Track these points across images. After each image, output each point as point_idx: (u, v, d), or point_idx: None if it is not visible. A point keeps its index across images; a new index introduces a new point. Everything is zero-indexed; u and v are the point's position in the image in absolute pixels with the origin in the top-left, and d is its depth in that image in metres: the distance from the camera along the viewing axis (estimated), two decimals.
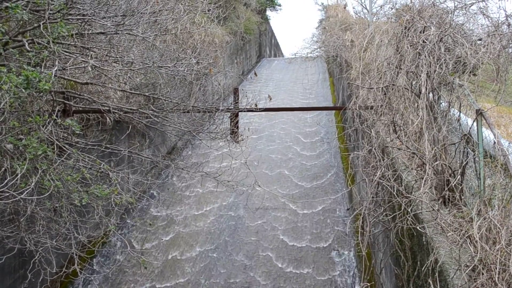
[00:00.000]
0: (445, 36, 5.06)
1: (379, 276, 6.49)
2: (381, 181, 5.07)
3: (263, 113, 14.97)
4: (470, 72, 4.74)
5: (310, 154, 12.63)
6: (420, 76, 4.94)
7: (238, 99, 8.34)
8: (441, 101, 5.13)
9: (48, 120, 5.76)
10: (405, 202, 4.47)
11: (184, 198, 10.41)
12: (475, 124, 4.24)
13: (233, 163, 9.94)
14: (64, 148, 6.01)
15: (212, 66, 11.69)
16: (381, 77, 5.91)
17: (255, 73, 23.37)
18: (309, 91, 19.54)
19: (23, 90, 4.79)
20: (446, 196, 4.42)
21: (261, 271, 7.77)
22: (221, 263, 8.09)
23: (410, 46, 5.25)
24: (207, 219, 9.53)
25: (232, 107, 8.43)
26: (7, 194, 4.57)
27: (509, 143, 5.13)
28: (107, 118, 8.45)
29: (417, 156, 5.04)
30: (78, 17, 6.46)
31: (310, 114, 15.75)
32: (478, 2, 5.32)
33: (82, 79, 7.23)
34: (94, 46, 6.94)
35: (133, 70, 7.53)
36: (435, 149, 4.55)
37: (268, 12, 31.57)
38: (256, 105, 8.33)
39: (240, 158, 9.48)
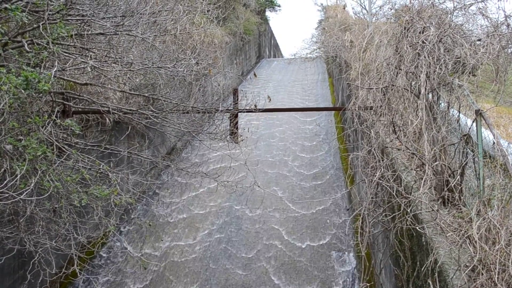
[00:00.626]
0: (445, 36, 5.07)
1: (379, 277, 6.49)
2: (381, 181, 5.07)
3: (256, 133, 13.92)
4: (470, 73, 4.74)
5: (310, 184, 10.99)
6: (419, 76, 4.95)
7: (237, 99, 8.35)
8: (440, 102, 5.13)
9: (48, 120, 5.76)
10: (404, 202, 4.47)
11: (166, 226, 9.18)
12: (474, 124, 4.24)
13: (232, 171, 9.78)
14: (64, 149, 6.00)
15: (211, 67, 11.70)
16: (380, 78, 5.92)
17: (255, 74, 23.40)
18: (309, 91, 19.56)
19: (23, 91, 4.79)
20: (446, 197, 4.42)
21: None
22: None
23: (410, 46, 5.25)
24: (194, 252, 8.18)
25: (232, 108, 8.43)
26: (7, 194, 4.56)
27: (508, 144, 5.14)
28: (107, 119, 8.45)
29: (416, 156, 5.05)
30: (78, 17, 6.46)
31: (310, 125, 15.44)
32: (477, 2, 5.33)
33: (81, 80, 7.23)
34: (93, 47, 6.94)
35: (133, 70, 7.53)
36: (435, 150, 4.55)
37: (268, 13, 31.62)
38: (255, 106, 8.34)
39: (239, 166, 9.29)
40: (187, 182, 10.59)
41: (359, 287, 7.06)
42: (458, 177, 4.37)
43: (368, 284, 5.30)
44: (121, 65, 7.07)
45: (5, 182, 4.63)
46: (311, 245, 8.35)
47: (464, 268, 3.33)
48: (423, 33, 5.24)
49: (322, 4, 25.29)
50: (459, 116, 4.85)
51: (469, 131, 4.37)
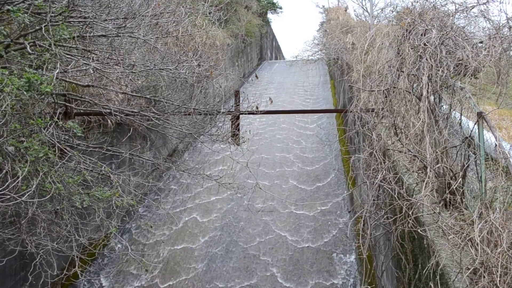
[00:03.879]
0: (446, 39, 5.07)
1: (380, 279, 6.47)
2: (382, 183, 5.06)
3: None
4: (471, 75, 4.74)
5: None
6: (421, 78, 4.95)
7: (239, 101, 8.35)
8: (442, 104, 5.13)
9: (50, 122, 5.77)
10: (406, 205, 4.46)
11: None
12: (476, 126, 4.23)
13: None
14: (65, 151, 6.01)
15: (213, 69, 11.72)
16: (382, 80, 5.91)
17: (256, 76, 23.40)
18: (310, 93, 19.55)
19: (25, 93, 4.80)
20: (447, 199, 4.41)
21: None
22: None
23: (411, 49, 5.25)
24: None
25: (233, 110, 8.43)
26: (8, 196, 4.57)
27: (510, 146, 5.13)
28: (109, 121, 8.46)
29: (418, 159, 5.04)
30: (80, 19, 6.47)
31: (311, 126, 15.41)
32: (479, 5, 5.32)
33: (83, 82, 7.25)
34: (95, 49, 6.96)
35: (135, 72, 7.54)
36: (436, 152, 4.54)
37: (269, 15, 31.65)
38: (257, 108, 8.35)
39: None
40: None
41: None
42: (460, 179, 4.36)
43: (369, 287, 5.28)
44: (123, 67, 7.08)
45: (7, 183, 4.64)
46: None
47: (466, 271, 3.32)
48: (424, 35, 5.24)
49: (323, 6, 25.38)
50: (461, 118, 4.85)
51: (471, 133, 4.37)
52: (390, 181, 4.97)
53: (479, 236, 3.45)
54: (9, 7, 5.35)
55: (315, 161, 12.26)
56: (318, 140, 13.51)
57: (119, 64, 7.03)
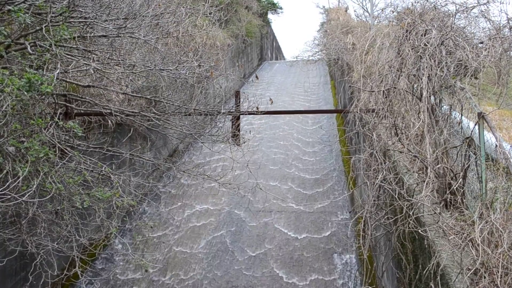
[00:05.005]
0: (447, 39, 5.07)
1: (381, 280, 6.47)
2: (383, 184, 5.06)
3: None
4: (472, 75, 4.74)
5: None
6: (421, 79, 4.95)
7: (239, 102, 8.35)
8: (442, 104, 5.13)
9: (50, 122, 5.77)
10: (406, 205, 4.46)
11: None
12: (476, 127, 4.23)
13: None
14: (66, 151, 6.02)
15: (213, 69, 11.72)
16: (382, 80, 5.91)
17: (257, 76, 23.39)
18: (310, 94, 19.55)
19: (25, 93, 4.80)
20: (448, 199, 4.41)
21: None
22: None
23: (412, 49, 5.26)
24: None
25: (234, 110, 8.44)
26: (9, 196, 4.57)
27: (511, 146, 5.13)
28: (109, 121, 8.46)
29: (418, 159, 5.04)
30: (80, 20, 6.48)
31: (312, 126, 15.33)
32: (480, 5, 5.32)
33: (84, 82, 7.25)
34: (96, 49, 6.96)
35: (135, 73, 7.55)
36: (437, 152, 4.54)
37: (270, 15, 31.66)
38: (257, 108, 8.36)
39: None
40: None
41: None
42: (461, 180, 4.36)
43: (370, 287, 5.28)
44: (124, 67, 7.08)
45: (8, 183, 4.64)
46: None
47: (466, 271, 3.32)
48: (425, 35, 5.24)
49: (324, 7, 25.43)
50: (461, 118, 4.85)
51: (471, 134, 4.36)
52: (390, 181, 4.97)
53: (479, 236, 3.45)
54: (10, 7, 5.36)
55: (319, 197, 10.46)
56: (320, 166, 12.32)
57: (119, 65, 7.03)
